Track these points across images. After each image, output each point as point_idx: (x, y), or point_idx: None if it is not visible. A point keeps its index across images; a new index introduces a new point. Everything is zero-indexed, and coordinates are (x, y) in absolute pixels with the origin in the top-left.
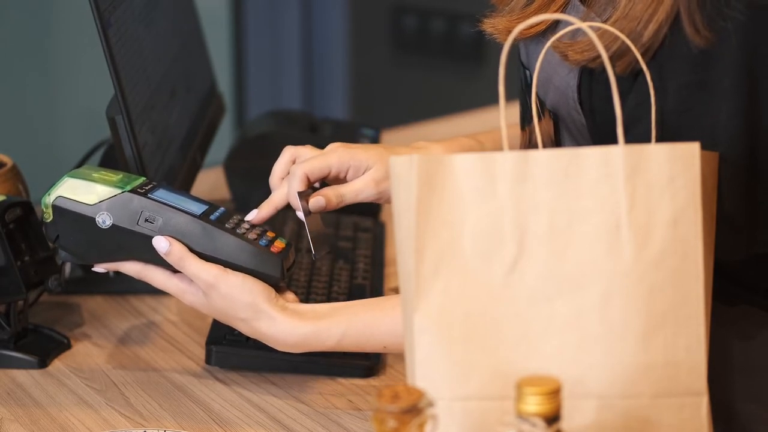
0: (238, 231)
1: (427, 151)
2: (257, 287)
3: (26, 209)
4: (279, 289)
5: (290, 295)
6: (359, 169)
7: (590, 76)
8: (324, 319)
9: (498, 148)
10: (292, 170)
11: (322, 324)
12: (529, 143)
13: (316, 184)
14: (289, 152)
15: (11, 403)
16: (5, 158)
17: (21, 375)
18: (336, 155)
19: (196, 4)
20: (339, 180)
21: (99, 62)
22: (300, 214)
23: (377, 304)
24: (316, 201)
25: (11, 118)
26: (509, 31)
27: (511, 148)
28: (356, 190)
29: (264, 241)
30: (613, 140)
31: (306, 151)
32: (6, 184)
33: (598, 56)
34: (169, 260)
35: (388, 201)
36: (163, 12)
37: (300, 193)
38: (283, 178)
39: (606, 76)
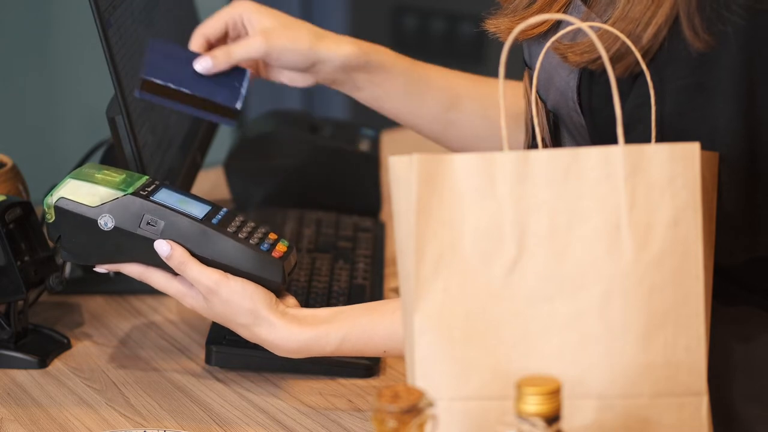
0: (239, 235)
1: (357, 47)
2: (258, 293)
3: (26, 209)
4: (279, 293)
5: (291, 300)
6: (252, 24)
7: (590, 78)
8: (324, 324)
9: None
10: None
11: (322, 330)
12: (531, 142)
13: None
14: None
15: (11, 403)
16: (5, 158)
17: (21, 375)
18: (228, 9)
19: (196, 4)
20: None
21: (99, 62)
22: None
23: (377, 309)
24: (203, 61)
25: (11, 118)
26: (511, 31)
27: (511, 146)
28: (245, 44)
29: (265, 245)
30: (612, 141)
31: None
32: (6, 184)
33: (598, 58)
34: (170, 264)
35: (279, 62)
36: (163, 12)
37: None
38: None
39: (606, 78)
